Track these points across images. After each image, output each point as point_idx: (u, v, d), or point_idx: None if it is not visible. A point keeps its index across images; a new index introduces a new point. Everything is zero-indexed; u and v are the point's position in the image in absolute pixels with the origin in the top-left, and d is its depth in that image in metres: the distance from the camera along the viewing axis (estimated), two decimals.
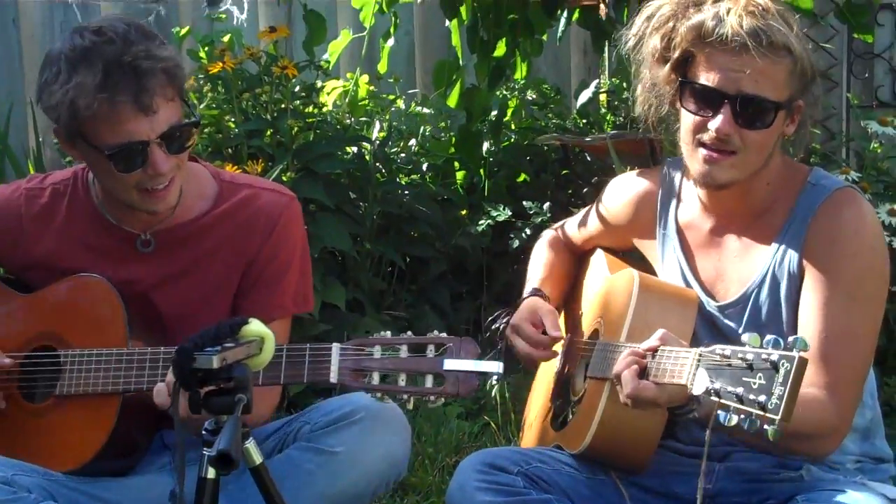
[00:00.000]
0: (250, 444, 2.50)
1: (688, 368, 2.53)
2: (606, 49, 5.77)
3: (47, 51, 2.93)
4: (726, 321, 2.94)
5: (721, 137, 2.79)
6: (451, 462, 4.04)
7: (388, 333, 2.79)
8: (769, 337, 2.38)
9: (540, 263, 3.35)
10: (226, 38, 5.26)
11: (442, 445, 4.16)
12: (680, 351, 2.60)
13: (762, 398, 2.31)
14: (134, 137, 2.85)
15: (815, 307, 2.81)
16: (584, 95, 5.85)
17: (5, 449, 2.94)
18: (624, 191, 3.21)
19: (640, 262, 3.21)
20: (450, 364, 2.71)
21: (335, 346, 2.77)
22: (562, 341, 3.15)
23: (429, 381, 2.73)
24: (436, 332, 2.79)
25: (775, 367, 2.31)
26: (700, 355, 2.51)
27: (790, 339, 2.33)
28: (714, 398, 2.42)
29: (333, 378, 2.76)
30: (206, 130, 4.68)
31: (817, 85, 2.89)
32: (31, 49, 6.39)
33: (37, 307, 3.07)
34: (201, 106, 4.76)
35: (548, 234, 3.44)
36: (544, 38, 5.49)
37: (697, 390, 2.48)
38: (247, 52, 4.77)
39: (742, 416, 2.35)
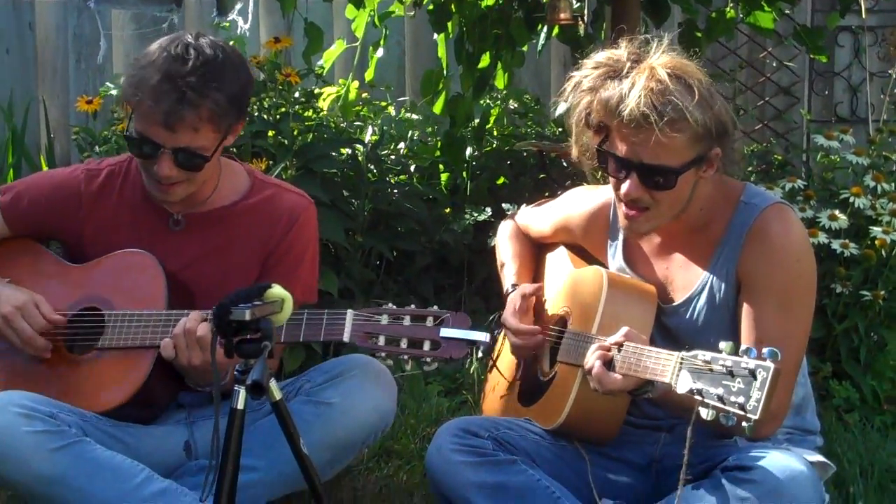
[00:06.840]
0: (272, 384, 2.80)
1: (670, 369, 2.79)
2: None
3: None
4: (671, 320, 3.21)
5: (632, 198, 3.07)
6: (431, 432, 4.09)
7: (393, 305, 3.11)
8: (744, 346, 2.66)
9: (510, 255, 3.61)
10: None
11: (423, 417, 4.33)
12: (661, 352, 2.85)
13: (741, 399, 2.61)
14: (152, 138, 3.18)
15: (752, 316, 3.07)
16: (562, 106, 5.87)
17: (48, 392, 3.20)
18: (581, 203, 3.45)
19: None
20: (446, 332, 3.02)
21: (350, 312, 3.07)
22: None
23: (426, 346, 3.03)
24: (435, 307, 3.09)
25: (753, 374, 2.60)
26: (682, 359, 2.76)
27: (764, 350, 2.61)
28: (697, 397, 2.70)
29: (346, 338, 3.06)
30: None
31: (731, 133, 3.05)
32: (45, 52, 6.46)
33: (86, 275, 3.37)
34: None
35: (509, 225, 3.68)
36: (525, 49, 5.60)
37: (681, 389, 2.74)
38: (253, 60, 4.95)
39: (721, 414, 2.65)
